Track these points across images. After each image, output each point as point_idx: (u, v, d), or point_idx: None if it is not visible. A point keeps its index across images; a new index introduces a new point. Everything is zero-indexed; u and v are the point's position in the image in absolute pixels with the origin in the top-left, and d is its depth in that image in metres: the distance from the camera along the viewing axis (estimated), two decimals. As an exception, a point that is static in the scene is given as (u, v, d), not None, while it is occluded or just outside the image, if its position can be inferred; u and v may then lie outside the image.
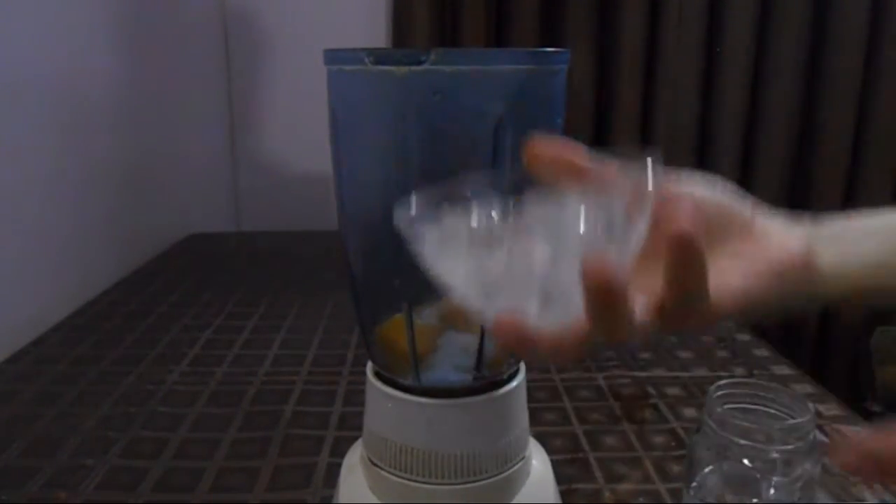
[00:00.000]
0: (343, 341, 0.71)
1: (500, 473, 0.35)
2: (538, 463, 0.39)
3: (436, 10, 1.16)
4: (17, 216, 0.74)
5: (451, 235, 0.25)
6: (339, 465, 0.40)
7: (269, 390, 0.61)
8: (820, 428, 0.54)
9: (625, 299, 0.21)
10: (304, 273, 0.95)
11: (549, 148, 0.27)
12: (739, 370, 0.66)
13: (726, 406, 0.35)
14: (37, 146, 0.77)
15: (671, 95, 1.24)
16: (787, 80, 1.24)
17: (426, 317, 0.34)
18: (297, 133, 1.20)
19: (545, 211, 0.26)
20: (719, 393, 0.36)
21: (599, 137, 1.26)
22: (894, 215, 0.33)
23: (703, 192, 0.30)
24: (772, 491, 0.33)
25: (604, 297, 0.21)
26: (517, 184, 0.27)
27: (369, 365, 0.37)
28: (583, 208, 0.25)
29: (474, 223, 0.25)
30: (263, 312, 0.79)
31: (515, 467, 0.36)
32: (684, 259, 0.23)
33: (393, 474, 0.35)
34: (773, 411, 0.35)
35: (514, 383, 0.36)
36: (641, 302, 0.23)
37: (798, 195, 1.31)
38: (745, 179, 1.30)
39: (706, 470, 0.35)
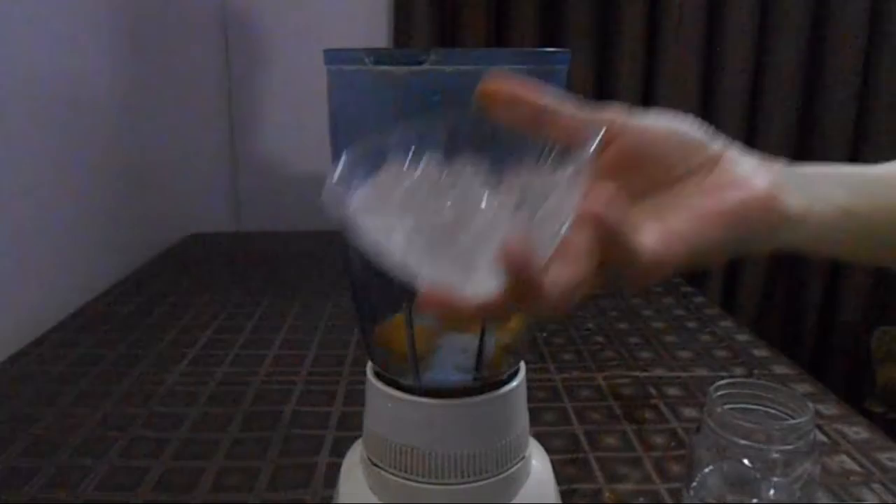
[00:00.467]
0: (343, 341, 0.71)
1: (500, 473, 0.35)
2: (538, 463, 0.39)
3: (436, 10, 1.16)
4: (17, 216, 0.74)
5: (385, 193, 0.24)
6: (339, 465, 0.40)
7: (269, 390, 0.61)
8: (820, 428, 0.54)
9: (539, 284, 0.21)
10: (304, 273, 0.95)
11: (507, 86, 0.26)
12: (739, 370, 0.66)
13: (726, 406, 0.35)
14: (37, 146, 0.77)
15: (671, 95, 1.24)
16: (787, 80, 1.24)
17: (426, 317, 0.34)
18: (297, 133, 1.20)
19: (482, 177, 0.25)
20: (719, 393, 0.36)
21: (599, 137, 1.26)
22: (868, 167, 0.32)
23: (666, 124, 0.29)
24: (772, 491, 0.33)
25: (519, 282, 0.21)
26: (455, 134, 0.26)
27: (369, 365, 0.37)
28: (518, 183, 0.24)
29: (410, 179, 0.24)
30: (263, 312, 0.79)
31: (515, 467, 0.36)
32: (600, 237, 0.23)
33: (393, 474, 0.35)
34: (773, 411, 0.35)
35: (514, 383, 0.36)
36: (567, 274, 0.23)
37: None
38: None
39: (706, 470, 0.35)
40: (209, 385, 0.61)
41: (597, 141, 0.25)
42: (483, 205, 0.24)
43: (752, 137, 1.27)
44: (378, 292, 0.36)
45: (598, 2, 1.19)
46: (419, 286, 0.22)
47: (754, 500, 0.34)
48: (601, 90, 1.24)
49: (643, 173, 0.28)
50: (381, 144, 0.25)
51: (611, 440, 0.53)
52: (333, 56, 0.32)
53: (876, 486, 0.47)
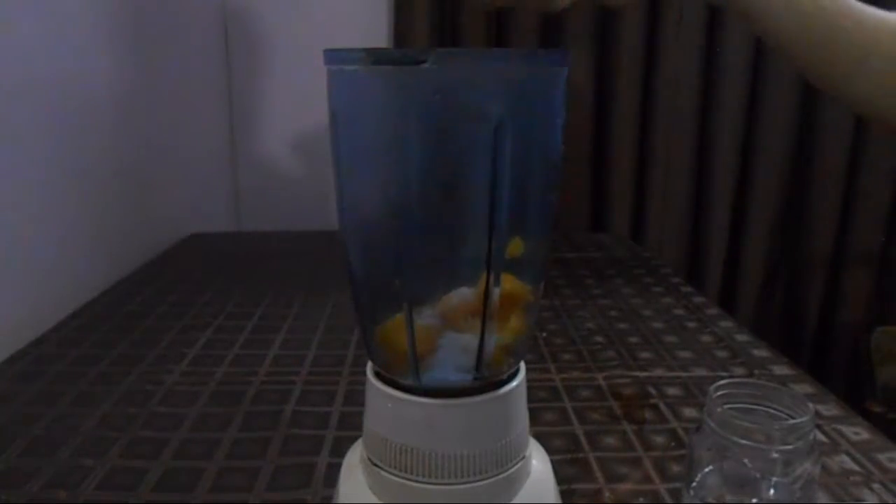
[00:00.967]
0: (343, 341, 0.71)
1: (500, 473, 0.35)
2: (538, 463, 0.39)
3: (436, 10, 1.17)
4: (17, 216, 0.74)
5: None
6: (339, 465, 0.40)
7: (269, 390, 0.61)
8: (820, 428, 0.54)
9: None
10: (304, 273, 0.95)
11: None
12: (739, 370, 0.66)
13: (726, 406, 0.35)
14: (35, 146, 0.77)
15: (671, 95, 1.24)
16: (787, 81, 1.24)
17: (426, 317, 0.34)
18: (297, 133, 1.20)
19: None
20: (719, 393, 0.36)
21: (599, 137, 1.26)
22: None
23: None
24: (772, 491, 0.33)
25: None
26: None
27: (369, 365, 0.37)
28: None
29: None
30: (263, 312, 0.79)
31: (515, 467, 0.36)
32: None
33: (393, 474, 0.35)
34: (773, 411, 0.35)
35: (514, 383, 0.36)
36: None
37: (798, 195, 1.31)
38: (745, 179, 1.30)
39: (706, 470, 0.35)
40: (209, 385, 0.61)
41: None
42: None
43: (752, 137, 1.27)
44: (378, 292, 0.36)
45: (598, 2, 1.20)
46: None
47: (754, 500, 0.34)
48: (601, 90, 1.24)
49: None
50: None
51: (611, 440, 0.53)
52: (333, 56, 0.32)
53: (876, 486, 0.47)
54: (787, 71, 1.23)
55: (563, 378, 0.63)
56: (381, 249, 0.35)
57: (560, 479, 0.41)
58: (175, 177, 1.14)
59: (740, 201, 1.31)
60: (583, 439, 0.53)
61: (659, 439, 0.53)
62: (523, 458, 0.37)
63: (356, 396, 0.59)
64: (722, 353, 0.69)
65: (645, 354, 0.69)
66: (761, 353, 0.69)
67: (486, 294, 0.33)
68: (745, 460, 0.33)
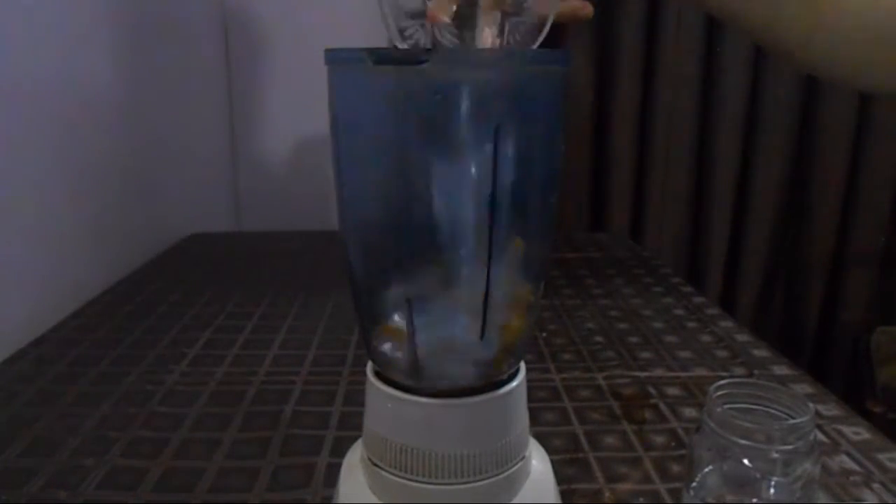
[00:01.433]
0: (343, 341, 0.71)
1: (500, 473, 0.35)
2: (538, 463, 0.39)
3: (436, 10, 1.16)
4: (17, 216, 0.74)
5: None
6: (339, 465, 0.40)
7: (269, 390, 0.61)
8: (820, 428, 0.54)
9: None
10: (304, 273, 0.95)
11: None
12: (739, 370, 0.66)
13: (726, 406, 0.35)
14: (36, 146, 0.77)
15: (671, 95, 1.24)
16: (787, 80, 1.24)
17: (427, 317, 0.34)
18: (297, 133, 1.20)
19: None
20: (719, 393, 0.36)
21: (599, 137, 1.26)
22: None
23: None
24: (772, 491, 0.33)
25: None
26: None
27: (369, 365, 0.37)
28: None
29: None
30: (263, 312, 0.79)
31: (515, 467, 0.36)
32: None
33: (393, 474, 0.35)
34: (773, 411, 0.35)
35: (514, 383, 0.36)
36: None
37: (798, 195, 1.31)
38: (745, 179, 1.30)
39: (706, 470, 0.35)
40: (209, 385, 0.61)
41: None
42: None
43: (752, 137, 1.27)
44: (378, 292, 0.36)
45: (597, 2, 1.19)
46: None
47: (754, 500, 0.34)
48: (601, 90, 1.24)
49: None
50: None
51: (611, 440, 0.53)
52: (334, 56, 0.32)
53: (876, 486, 0.47)
54: (788, 71, 1.23)
55: (563, 378, 0.63)
56: (381, 249, 0.35)
57: (560, 479, 0.41)
58: (175, 177, 1.14)
59: (740, 201, 1.31)
60: (583, 439, 0.53)
61: (659, 439, 0.53)
62: (523, 458, 0.37)
63: (356, 396, 0.59)
64: (722, 353, 0.69)
65: (645, 354, 0.69)
66: (761, 353, 0.69)
67: (486, 294, 0.33)
68: (745, 460, 0.33)
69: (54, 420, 0.55)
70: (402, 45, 0.32)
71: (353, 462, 0.39)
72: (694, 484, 0.36)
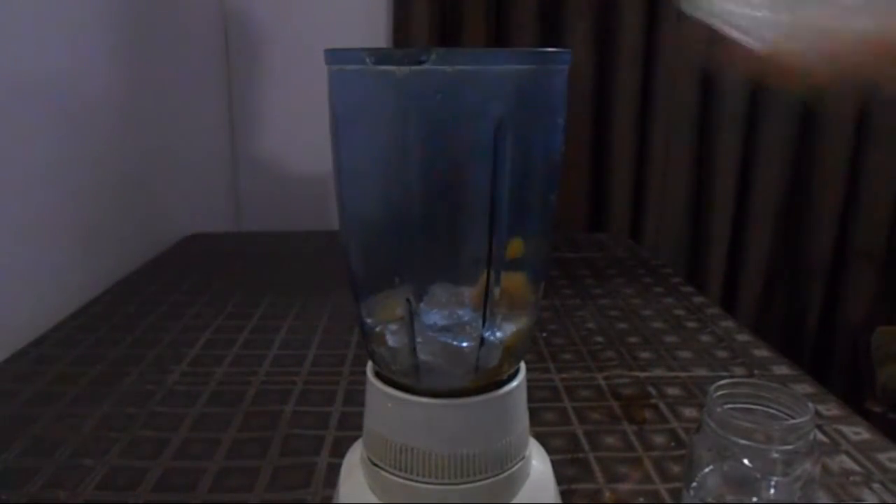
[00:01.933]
0: (343, 341, 0.71)
1: (500, 473, 0.35)
2: (538, 463, 0.39)
3: (436, 10, 1.17)
4: (17, 216, 0.74)
5: None
6: (339, 465, 0.40)
7: (269, 390, 0.61)
8: (820, 428, 0.54)
9: None
10: (304, 273, 0.95)
11: None
12: (739, 370, 0.66)
13: (726, 406, 0.35)
14: (36, 146, 0.77)
15: (670, 95, 1.24)
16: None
17: (426, 316, 0.34)
18: (297, 133, 1.20)
19: None
20: (719, 393, 0.36)
21: (599, 137, 1.26)
22: None
23: None
24: (772, 491, 0.33)
25: None
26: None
27: (369, 365, 0.37)
28: None
29: None
30: (263, 312, 0.79)
31: (515, 467, 0.36)
32: None
33: (393, 474, 0.35)
34: (773, 411, 0.35)
35: (514, 383, 0.36)
36: None
37: (798, 195, 1.31)
38: (746, 179, 1.30)
39: (706, 470, 0.35)
40: (209, 385, 0.61)
41: None
42: None
43: (752, 137, 1.27)
44: (378, 292, 0.36)
45: (597, 1, 1.20)
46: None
47: (754, 500, 0.34)
48: (601, 90, 1.24)
49: None
50: None
51: (611, 440, 0.53)
52: (334, 56, 0.32)
53: (876, 486, 0.47)
54: (787, 71, 1.23)
55: (563, 378, 0.63)
56: (381, 249, 0.35)
57: (560, 479, 0.41)
58: (175, 177, 1.14)
59: (741, 202, 1.31)
60: (583, 439, 0.53)
61: (659, 439, 0.53)
62: (523, 458, 0.37)
63: (356, 396, 0.59)
64: (722, 353, 0.69)
65: (645, 354, 0.69)
66: (761, 352, 0.69)
67: (486, 294, 0.33)
68: (745, 460, 0.33)
69: (54, 420, 0.55)
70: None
71: (353, 462, 0.39)
72: (694, 484, 0.36)
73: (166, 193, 1.12)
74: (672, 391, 0.61)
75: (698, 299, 0.85)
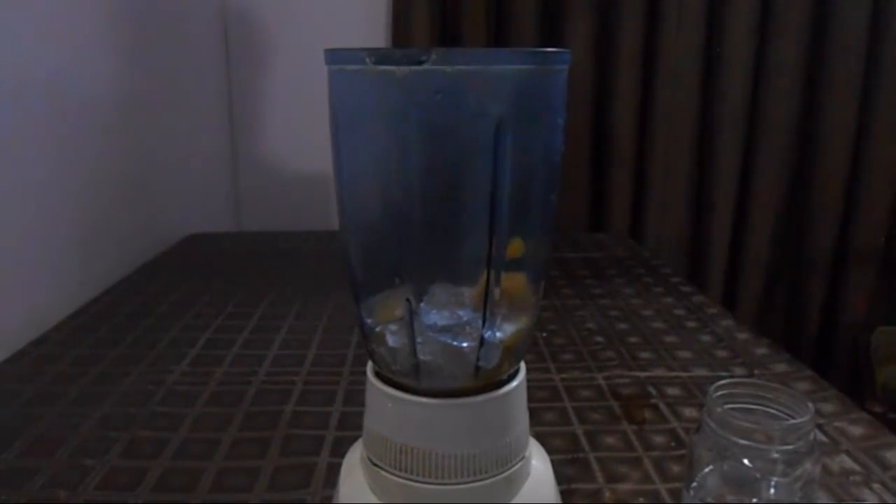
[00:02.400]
0: (343, 341, 0.71)
1: (500, 473, 0.35)
2: (538, 463, 0.39)
3: (436, 10, 1.16)
4: (17, 216, 0.74)
5: None
6: (339, 465, 0.40)
7: (269, 390, 0.61)
8: (820, 427, 0.54)
9: None
10: (304, 273, 0.95)
11: None
12: (739, 370, 0.66)
13: (726, 406, 0.35)
14: (36, 146, 0.77)
15: (670, 95, 1.24)
16: (788, 80, 1.24)
17: (427, 316, 0.34)
18: (297, 133, 1.20)
19: None
20: (719, 393, 0.36)
21: (599, 137, 1.26)
22: None
23: None
24: (772, 491, 0.33)
25: None
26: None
27: (369, 365, 0.37)
28: None
29: None
30: (263, 312, 0.79)
31: (515, 467, 0.36)
32: None
33: (393, 474, 0.35)
34: (773, 411, 0.35)
35: (514, 383, 0.36)
36: None
37: (799, 195, 1.31)
38: (746, 179, 1.30)
39: (706, 470, 0.35)
40: (209, 385, 0.61)
41: None
42: None
43: (752, 137, 1.27)
44: (378, 292, 0.36)
45: (597, 2, 1.19)
46: None
47: (754, 500, 0.34)
48: (601, 90, 1.24)
49: None
50: None
51: (611, 440, 0.53)
52: (334, 56, 0.32)
53: (876, 486, 0.47)
54: (789, 70, 1.23)
55: (563, 378, 0.63)
56: (381, 249, 0.35)
57: (560, 479, 0.41)
58: (175, 177, 1.14)
59: (741, 201, 1.31)
60: (583, 439, 0.53)
61: (659, 439, 0.53)
62: (523, 458, 0.37)
63: (356, 396, 0.59)
64: (722, 353, 0.69)
65: (645, 354, 0.69)
66: (761, 350, 0.69)
67: (487, 294, 0.33)
68: (745, 460, 0.33)
69: (54, 420, 0.55)
70: None
71: (353, 462, 0.39)
72: (694, 484, 0.36)
73: (166, 193, 1.12)
74: (672, 391, 0.61)
75: (698, 298, 0.85)
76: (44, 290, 0.78)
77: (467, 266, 0.34)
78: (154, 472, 0.48)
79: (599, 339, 0.73)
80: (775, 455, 0.33)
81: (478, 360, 0.34)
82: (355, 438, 0.41)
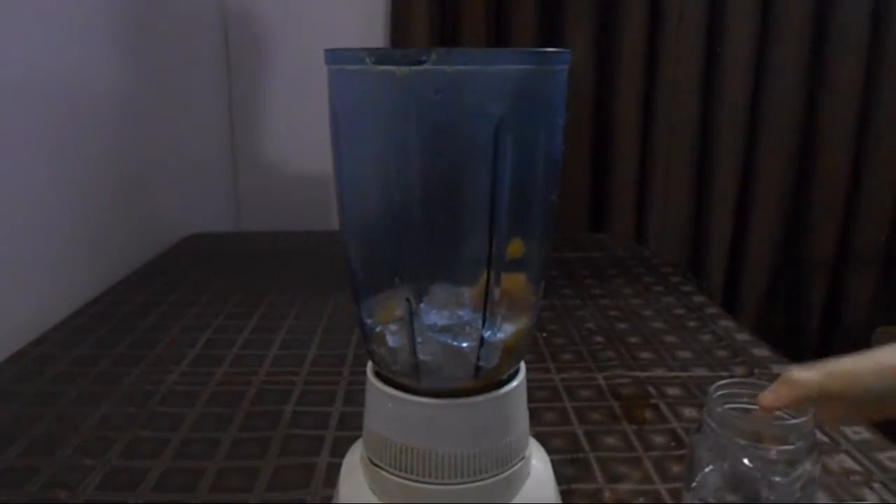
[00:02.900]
0: (343, 341, 0.71)
1: (500, 473, 0.35)
2: (538, 463, 0.39)
3: (436, 10, 1.16)
4: (17, 216, 0.74)
5: None
6: (339, 465, 0.40)
7: (269, 390, 0.61)
8: (820, 427, 0.54)
9: None
10: (304, 273, 0.95)
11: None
12: (739, 370, 0.66)
13: (726, 406, 0.35)
14: (37, 146, 0.77)
15: (671, 95, 1.24)
16: (788, 81, 1.24)
17: (427, 317, 0.34)
18: (297, 133, 1.20)
19: None
20: (719, 393, 0.36)
21: (599, 137, 1.26)
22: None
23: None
24: (772, 491, 0.33)
25: None
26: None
27: (369, 365, 0.37)
28: None
29: None
30: (263, 312, 0.79)
31: (515, 467, 0.36)
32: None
33: (393, 474, 0.35)
34: (773, 411, 0.35)
35: (514, 383, 0.36)
36: None
37: (799, 195, 1.31)
38: (746, 179, 1.30)
39: (706, 470, 0.35)
40: (209, 385, 0.61)
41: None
42: None
43: (753, 137, 1.27)
44: (378, 292, 0.36)
45: (598, 2, 1.19)
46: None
47: (754, 501, 0.34)
48: (601, 90, 1.24)
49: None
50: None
51: (611, 440, 0.53)
52: (334, 56, 0.32)
53: (876, 485, 0.47)
54: (789, 70, 1.23)
55: (563, 378, 0.63)
56: (381, 249, 0.35)
57: (560, 479, 0.41)
58: (175, 177, 1.14)
59: (742, 202, 1.31)
60: (583, 439, 0.53)
61: (659, 439, 0.53)
62: (523, 458, 0.37)
63: (356, 396, 0.59)
64: (722, 353, 0.69)
65: (645, 354, 0.69)
66: (761, 351, 0.69)
67: (487, 294, 0.33)
68: (745, 460, 0.33)
69: (54, 420, 0.55)
70: None
71: (353, 462, 0.39)
72: (694, 484, 0.36)
73: (166, 193, 1.12)
74: (672, 391, 0.61)
75: (698, 298, 0.85)
76: (44, 290, 0.78)
77: (467, 266, 0.34)
78: (154, 472, 0.48)
79: (599, 339, 0.73)
80: (775, 455, 0.33)
81: (478, 360, 0.34)
82: (355, 438, 0.41)
